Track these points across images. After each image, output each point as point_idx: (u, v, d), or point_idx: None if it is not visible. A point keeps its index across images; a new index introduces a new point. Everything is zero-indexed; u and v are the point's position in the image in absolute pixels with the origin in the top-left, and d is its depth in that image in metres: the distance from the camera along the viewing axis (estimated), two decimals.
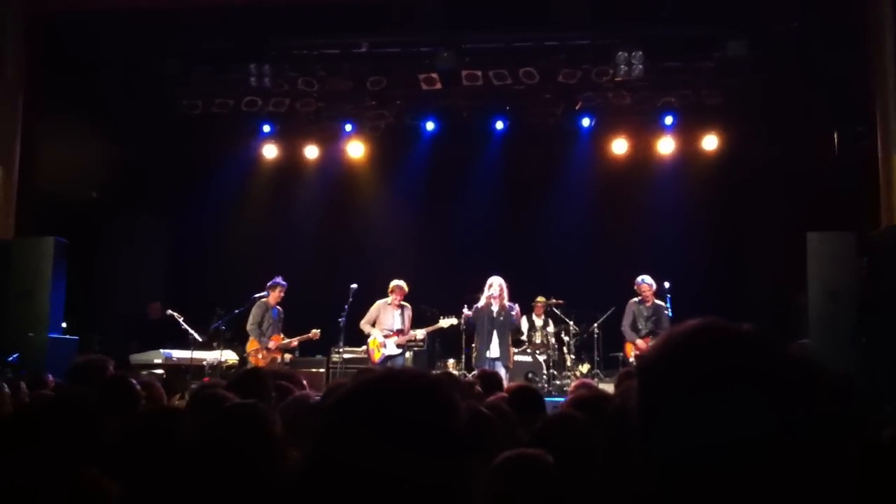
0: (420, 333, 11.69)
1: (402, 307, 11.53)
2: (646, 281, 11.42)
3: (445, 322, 11.61)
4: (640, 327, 11.41)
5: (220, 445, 2.66)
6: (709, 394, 1.14)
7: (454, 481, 1.38)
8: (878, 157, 9.85)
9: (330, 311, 11.80)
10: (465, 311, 11.24)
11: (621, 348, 11.89)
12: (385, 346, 11.43)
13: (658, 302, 11.44)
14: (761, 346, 1.21)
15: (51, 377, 6.47)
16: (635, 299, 11.52)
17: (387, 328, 11.47)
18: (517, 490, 2.44)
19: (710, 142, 13.57)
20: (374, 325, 11.52)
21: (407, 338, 11.53)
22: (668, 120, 13.51)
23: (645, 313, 11.43)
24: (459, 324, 11.65)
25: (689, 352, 1.21)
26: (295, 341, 11.77)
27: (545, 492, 2.42)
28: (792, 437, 1.12)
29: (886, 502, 2.05)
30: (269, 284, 11.64)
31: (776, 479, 1.11)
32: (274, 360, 11.44)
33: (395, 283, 11.50)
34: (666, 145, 13.77)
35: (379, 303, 11.56)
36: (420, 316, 12.00)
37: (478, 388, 5.70)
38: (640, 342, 11.27)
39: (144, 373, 9.59)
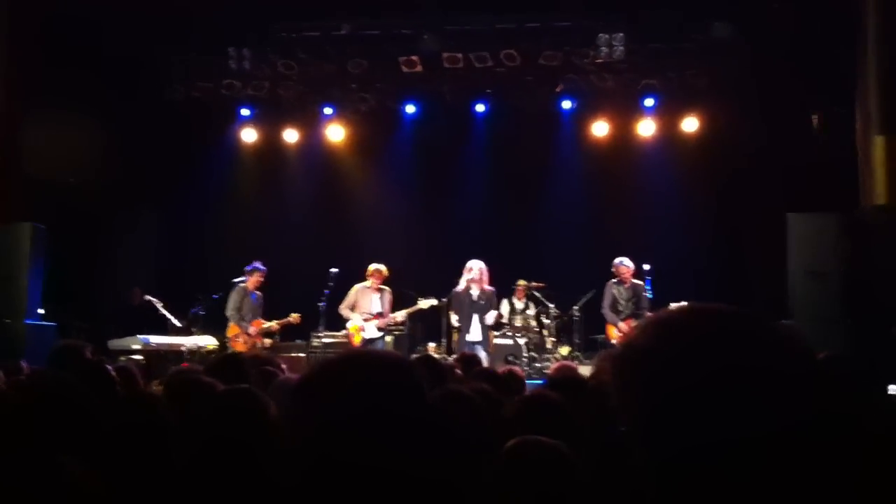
0: (400, 316, 11.65)
1: (381, 290, 11.50)
2: (623, 263, 11.43)
3: (425, 303, 11.58)
4: (621, 309, 11.42)
5: (217, 434, 2.61)
6: (716, 391, 1.12)
7: (437, 470, 1.34)
8: (857, 137, 9.88)
9: (311, 296, 11.75)
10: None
11: (602, 331, 11.89)
12: (364, 329, 11.41)
13: (636, 282, 11.44)
14: (761, 334, 1.18)
15: (25, 364, 6.37)
16: (613, 280, 11.53)
17: (366, 312, 11.44)
18: (529, 478, 2.39)
19: (691, 124, 13.57)
20: (353, 309, 11.48)
21: (387, 321, 11.49)
22: (649, 102, 13.49)
23: (624, 294, 11.43)
24: (440, 304, 11.62)
25: (694, 345, 1.17)
26: (276, 325, 11.72)
27: (558, 480, 2.37)
28: (798, 435, 1.11)
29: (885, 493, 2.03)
30: (247, 269, 11.58)
31: (786, 477, 1.10)
32: (255, 344, 11.39)
33: (373, 266, 11.47)
34: (647, 127, 13.76)
35: (357, 287, 11.53)
36: (400, 299, 11.96)
37: (458, 371, 5.68)
38: (621, 325, 11.29)
39: (123, 358, 9.51)
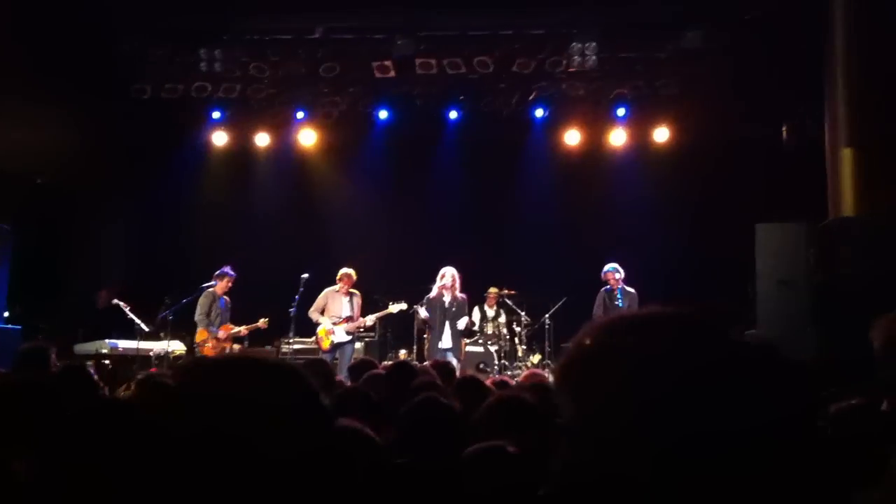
0: (370, 320, 11.63)
1: (350, 294, 11.49)
2: (609, 269, 11.42)
3: (395, 307, 11.58)
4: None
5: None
6: (710, 386, 1.15)
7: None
8: (826, 149, 9.99)
9: (281, 301, 11.68)
10: (421, 311, 11.26)
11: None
12: (334, 333, 11.37)
13: (629, 289, 11.42)
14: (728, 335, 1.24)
15: None
16: (605, 288, 11.54)
17: (335, 315, 11.41)
18: (488, 482, 2.39)
19: (661, 133, 13.67)
20: (322, 313, 11.45)
21: (356, 324, 11.46)
22: (621, 111, 13.57)
23: (616, 301, 11.38)
24: (410, 309, 11.61)
25: (685, 342, 1.21)
26: (244, 330, 11.64)
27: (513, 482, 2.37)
28: (787, 426, 1.15)
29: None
30: (216, 274, 11.50)
31: (778, 467, 1.13)
32: (223, 350, 11.29)
33: (343, 270, 11.48)
34: (618, 137, 13.84)
35: (327, 290, 11.50)
36: (371, 304, 11.93)
37: (433, 375, 5.66)
38: None
39: (89, 363, 9.39)
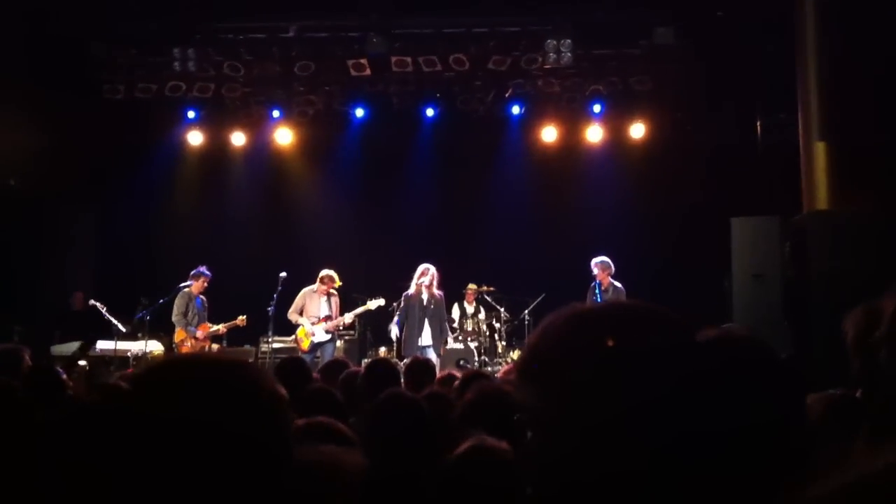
0: (348, 318, 11.61)
1: (329, 295, 11.47)
2: (596, 261, 11.35)
3: (373, 303, 11.58)
4: None
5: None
6: (704, 387, 1.18)
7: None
8: (799, 144, 10.06)
9: (259, 300, 11.64)
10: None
11: None
12: (314, 333, 11.35)
13: (616, 284, 11.39)
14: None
15: None
16: (594, 283, 11.48)
17: (314, 315, 11.39)
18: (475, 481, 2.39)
19: (637, 130, 13.73)
20: (301, 313, 11.43)
21: (335, 323, 11.45)
22: (597, 108, 13.62)
23: (594, 296, 11.36)
24: (388, 305, 11.62)
25: (674, 340, 1.23)
26: (223, 328, 11.60)
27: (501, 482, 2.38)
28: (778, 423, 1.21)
29: None
30: (192, 274, 11.44)
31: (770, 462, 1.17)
32: (202, 349, 11.25)
33: (325, 272, 11.44)
34: (595, 133, 13.89)
35: (305, 290, 11.48)
36: (349, 302, 11.93)
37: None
38: None
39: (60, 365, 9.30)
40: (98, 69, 13.02)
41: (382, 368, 5.23)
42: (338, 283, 11.47)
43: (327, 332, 11.40)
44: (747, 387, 1.21)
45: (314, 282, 11.50)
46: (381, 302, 11.60)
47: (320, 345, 11.35)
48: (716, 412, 1.12)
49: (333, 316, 11.43)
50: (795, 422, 1.27)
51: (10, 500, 2.65)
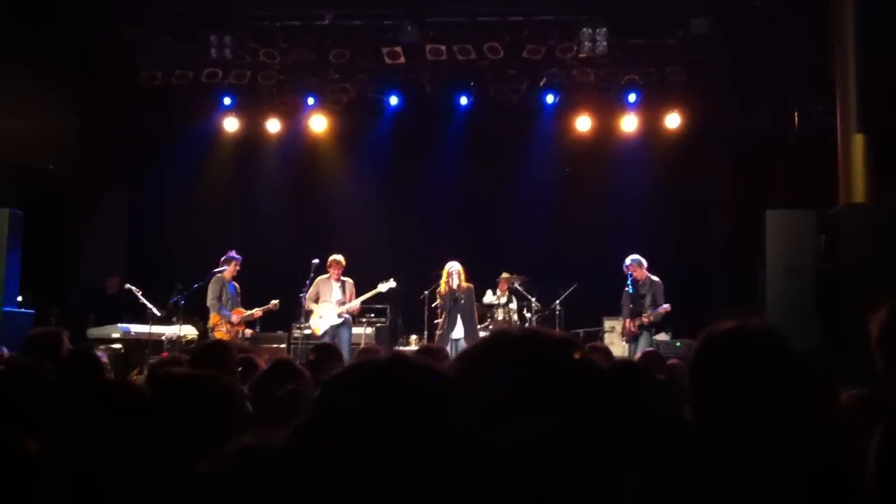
0: (356, 303, 11.67)
1: (342, 280, 11.60)
2: (630, 261, 11.27)
3: (383, 286, 11.73)
4: (632, 305, 11.32)
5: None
6: (744, 380, 1.62)
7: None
8: (837, 135, 9.95)
9: (293, 286, 11.75)
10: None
11: (587, 324, 12.07)
12: (323, 317, 11.50)
13: (653, 278, 11.32)
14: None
15: (5, 350, 6.34)
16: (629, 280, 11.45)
17: (327, 301, 11.54)
18: None
19: (672, 120, 13.62)
20: (316, 300, 11.58)
21: (347, 307, 11.54)
22: (632, 97, 13.53)
23: (638, 290, 11.32)
24: (397, 287, 11.85)
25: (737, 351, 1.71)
26: (258, 312, 11.70)
27: None
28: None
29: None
30: (223, 259, 11.55)
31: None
32: (237, 333, 11.37)
33: (332, 257, 11.62)
34: (629, 123, 13.81)
35: (319, 278, 11.67)
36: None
37: None
38: (626, 322, 11.35)
39: (102, 347, 9.47)
40: (134, 55, 13.15)
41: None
42: (344, 264, 11.58)
43: (339, 316, 11.53)
44: (754, 377, 1.50)
45: (345, 268, 11.65)
46: (392, 284, 11.74)
47: (335, 327, 11.50)
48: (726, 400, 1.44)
49: (347, 300, 11.56)
50: (798, 409, 1.56)
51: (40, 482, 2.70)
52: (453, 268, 11.28)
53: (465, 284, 11.30)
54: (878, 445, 1.76)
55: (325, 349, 5.81)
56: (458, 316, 11.28)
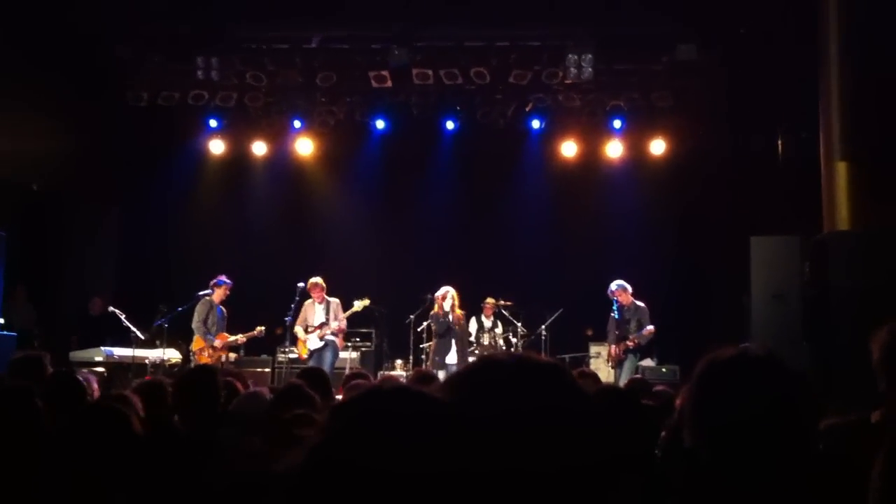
0: (334, 324, 11.62)
1: (326, 301, 11.56)
2: (615, 287, 11.31)
3: (358, 304, 11.74)
4: (618, 331, 11.35)
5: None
6: (748, 407, 1.73)
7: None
8: (821, 162, 10.01)
9: (277, 310, 11.70)
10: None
11: (568, 350, 12.08)
12: (307, 341, 11.54)
13: (639, 304, 11.38)
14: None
15: None
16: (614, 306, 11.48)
17: (311, 325, 11.50)
18: None
19: (658, 146, 13.70)
20: (305, 326, 11.57)
21: (324, 331, 11.52)
22: (617, 124, 13.60)
23: (623, 315, 11.35)
24: (370, 306, 11.92)
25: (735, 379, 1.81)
26: (242, 338, 11.64)
27: None
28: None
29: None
30: (212, 283, 11.48)
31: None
32: (220, 358, 11.29)
33: (311, 281, 11.62)
34: (615, 148, 13.87)
35: (306, 303, 11.61)
36: (367, 312, 12.04)
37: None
38: (612, 347, 11.37)
39: (85, 370, 9.37)
40: (122, 74, 13.12)
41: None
42: (324, 285, 11.59)
43: (321, 339, 11.51)
44: (760, 404, 1.53)
45: (331, 291, 11.63)
46: (367, 302, 11.77)
47: (316, 352, 11.46)
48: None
49: (328, 322, 11.53)
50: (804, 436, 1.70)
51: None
52: (448, 293, 11.24)
53: (458, 312, 11.28)
54: (880, 474, 1.75)
55: (309, 374, 5.78)
56: (453, 342, 11.25)
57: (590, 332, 12.72)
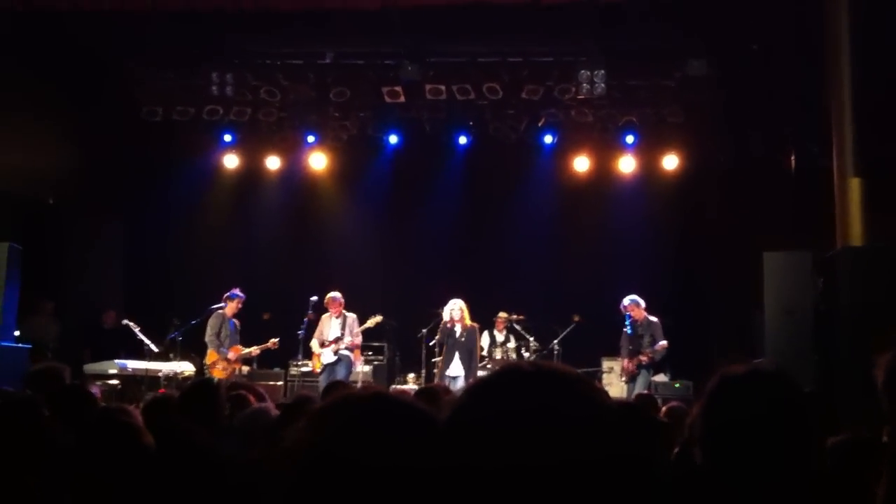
0: (347, 339, 11.64)
1: (343, 316, 11.58)
2: (628, 301, 11.39)
3: (371, 321, 11.71)
4: (631, 346, 11.38)
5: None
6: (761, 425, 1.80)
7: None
8: (833, 176, 10.00)
9: (290, 323, 11.74)
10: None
11: (585, 363, 12.16)
12: (322, 355, 11.54)
13: (651, 318, 11.42)
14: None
15: None
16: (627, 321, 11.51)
17: (326, 338, 11.53)
18: None
19: (670, 161, 13.71)
20: (321, 340, 11.60)
21: (343, 343, 11.52)
22: (629, 139, 13.62)
23: (636, 331, 11.37)
24: (383, 321, 11.87)
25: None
26: (256, 350, 11.69)
27: None
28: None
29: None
30: (226, 296, 11.54)
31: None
32: (234, 371, 11.34)
33: (329, 295, 11.65)
34: (627, 164, 13.89)
35: (323, 317, 11.63)
36: (377, 327, 12.06)
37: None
38: (625, 362, 11.39)
39: (99, 383, 9.44)
40: (136, 90, 13.22)
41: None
42: (342, 300, 11.61)
43: (335, 353, 11.52)
44: (771, 422, 1.55)
45: (344, 305, 11.66)
46: (378, 319, 11.75)
47: (329, 366, 11.47)
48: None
49: (346, 335, 11.56)
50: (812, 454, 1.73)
51: None
52: (456, 304, 11.20)
53: (468, 323, 11.22)
54: (886, 493, 1.77)
55: (327, 390, 5.82)
56: (457, 353, 11.15)
57: (576, 318, 12.61)
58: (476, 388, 1.36)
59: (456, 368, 11.10)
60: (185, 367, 11.65)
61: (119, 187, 13.75)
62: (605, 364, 12.77)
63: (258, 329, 11.91)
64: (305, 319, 11.53)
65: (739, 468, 1.75)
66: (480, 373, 11.94)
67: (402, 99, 13.17)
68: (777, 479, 1.71)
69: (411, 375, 12.87)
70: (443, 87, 12.95)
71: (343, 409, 1.34)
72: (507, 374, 1.37)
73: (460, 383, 10.64)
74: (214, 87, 13.10)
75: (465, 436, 1.25)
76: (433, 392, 6.28)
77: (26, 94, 11.72)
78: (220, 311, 11.46)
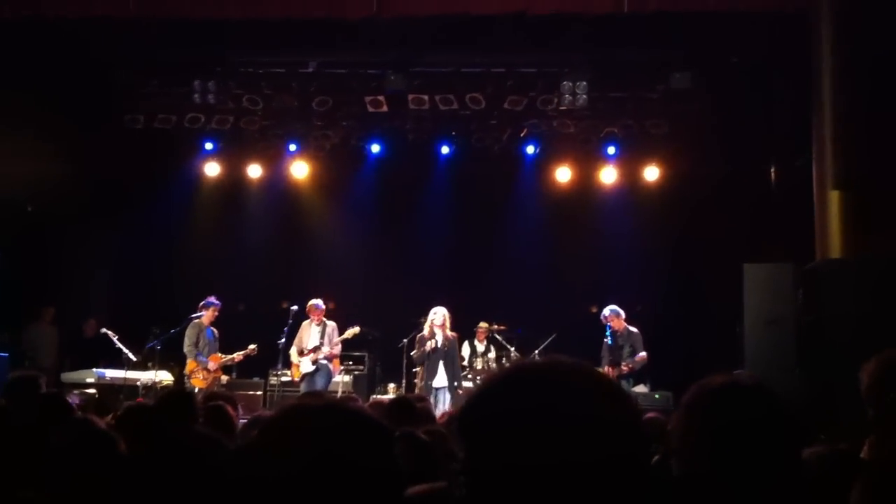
0: (325, 349, 11.59)
1: (323, 324, 11.55)
2: (609, 311, 11.41)
3: (349, 332, 11.69)
4: (611, 357, 11.36)
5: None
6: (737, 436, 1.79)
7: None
8: (814, 190, 10.06)
9: (271, 332, 11.69)
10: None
11: None
12: (300, 364, 11.50)
13: (631, 329, 11.43)
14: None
15: None
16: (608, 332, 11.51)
17: (305, 347, 11.52)
18: None
19: (651, 172, 13.77)
20: (300, 348, 11.55)
21: (321, 353, 11.48)
22: (611, 150, 13.67)
23: (616, 341, 11.37)
24: (363, 331, 11.85)
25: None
26: (238, 356, 11.63)
27: None
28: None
29: None
30: (201, 304, 11.49)
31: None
32: (214, 380, 11.28)
33: (310, 302, 11.62)
34: (608, 175, 13.94)
35: (304, 324, 11.60)
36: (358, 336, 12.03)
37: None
38: (605, 371, 11.37)
39: (76, 391, 9.35)
40: (118, 97, 13.15)
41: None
42: (323, 307, 11.59)
43: (312, 363, 11.48)
44: (748, 433, 1.55)
45: (325, 315, 11.63)
46: (356, 330, 11.75)
47: (308, 376, 11.43)
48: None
49: (325, 343, 11.51)
50: (792, 469, 1.72)
51: None
52: (439, 312, 11.10)
53: (449, 333, 11.18)
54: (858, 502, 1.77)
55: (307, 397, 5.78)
56: (441, 363, 11.08)
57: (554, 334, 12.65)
58: (486, 388, 1.37)
59: (441, 379, 11.02)
60: (164, 377, 11.56)
61: (102, 195, 13.64)
62: None
63: (244, 337, 11.83)
64: (285, 328, 11.47)
65: (715, 478, 1.75)
66: (466, 384, 11.95)
67: (385, 109, 13.16)
68: (753, 488, 1.71)
69: (392, 385, 12.82)
70: (426, 97, 12.95)
71: (291, 419, 1.39)
72: (516, 373, 1.37)
73: (447, 394, 10.62)
74: (197, 95, 13.03)
75: (472, 435, 1.26)
76: (406, 402, 6.26)
77: (9, 102, 11.62)
78: (198, 320, 11.40)
